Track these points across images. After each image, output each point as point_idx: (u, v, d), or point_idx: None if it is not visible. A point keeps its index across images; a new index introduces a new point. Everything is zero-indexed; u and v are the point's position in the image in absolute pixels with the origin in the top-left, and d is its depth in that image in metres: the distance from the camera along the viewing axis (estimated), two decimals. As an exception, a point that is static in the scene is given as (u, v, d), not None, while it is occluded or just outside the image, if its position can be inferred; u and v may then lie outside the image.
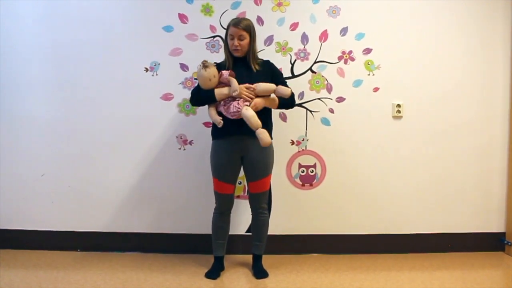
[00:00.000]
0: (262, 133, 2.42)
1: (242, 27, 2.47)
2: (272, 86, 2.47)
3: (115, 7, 2.94)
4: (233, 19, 2.55)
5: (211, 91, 2.47)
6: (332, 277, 2.68)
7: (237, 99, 2.44)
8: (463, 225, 3.12)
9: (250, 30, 2.51)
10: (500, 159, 3.13)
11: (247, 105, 2.43)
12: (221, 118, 2.47)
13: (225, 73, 2.47)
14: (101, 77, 2.96)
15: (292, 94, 2.55)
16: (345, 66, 3.01)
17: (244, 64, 2.55)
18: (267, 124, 2.56)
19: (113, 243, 3.02)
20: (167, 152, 3.00)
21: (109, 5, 2.94)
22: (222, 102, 2.48)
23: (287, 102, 2.58)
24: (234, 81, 2.43)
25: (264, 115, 2.53)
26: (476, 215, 3.13)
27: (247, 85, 2.46)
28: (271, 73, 2.57)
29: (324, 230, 3.06)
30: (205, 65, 2.43)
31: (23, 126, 2.99)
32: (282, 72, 2.93)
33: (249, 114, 2.40)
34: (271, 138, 2.57)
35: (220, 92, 2.46)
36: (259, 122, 2.42)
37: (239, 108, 2.41)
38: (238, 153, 2.56)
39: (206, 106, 2.55)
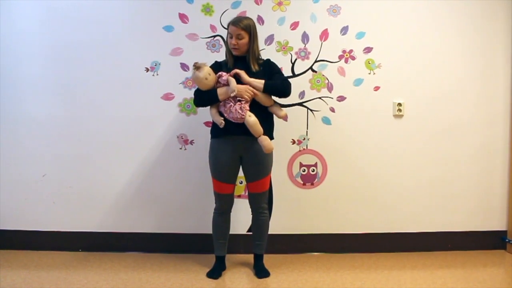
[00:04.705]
0: (264, 140, 2.44)
1: (241, 27, 2.47)
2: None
3: (115, 7, 2.94)
4: (234, 18, 2.55)
5: (214, 91, 2.47)
6: (333, 276, 2.68)
7: (238, 102, 2.45)
8: (465, 224, 3.12)
9: (249, 30, 2.50)
10: (501, 157, 3.13)
11: (248, 109, 2.44)
12: (222, 118, 2.47)
13: (224, 74, 2.47)
14: (101, 77, 2.96)
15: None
16: (346, 65, 3.01)
17: (244, 63, 2.54)
18: (268, 123, 2.56)
19: (114, 243, 3.02)
20: (168, 152, 3.00)
21: (109, 6, 2.94)
22: (222, 103, 2.49)
23: (275, 93, 2.52)
24: (232, 81, 2.43)
25: (265, 114, 2.53)
26: (477, 213, 3.13)
27: (248, 86, 2.46)
28: (269, 73, 2.56)
29: (326, 229, 3.06)
30: (196, 66, 2.44)
31: (24, 126, 2.99)
32: (282, 71, 2.93)
33: (252, 121, 2.42)
34: (273, 138, 2.58)
35: (222, 91, 2.46)
36: (261, 129, 2.44)
37: (243, 114, 2.42)
38: (237, 153, 2.55)
39: (208, 107, 2.56)
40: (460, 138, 3.09)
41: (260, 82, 2.47)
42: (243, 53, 2.53)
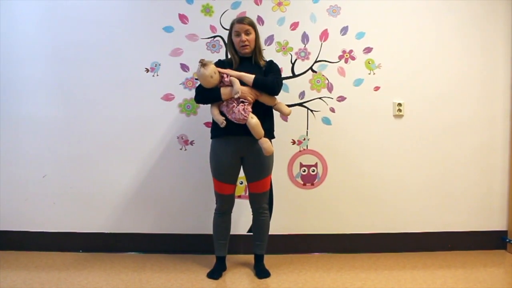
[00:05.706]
0: (265, 143, 2.45)
1: (247, 22, 2.51)
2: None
3: (115, 8, 2.94)
4: (236, 18, 2.57)
5: (217, 90, 2.47)
6: (334, 276, 2.68)
7: (241, 103, 2.44)
8: (465, 224, 3.12)
9: (254, 26, 2.54)
10: (501, 157, 3.13)
11: (250, 111, 2.44)
12: (223, 118, 2.47)
13: (226, 75, 2.47)
14: (101, 78, 2.96)
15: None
16: (346, 65, 3.01)
17: (250, 63, 2.55)
18: (269, 123, 2.56)
19: (115, 244, 3.02)
20: (168, 153, 3.00)
21: (109, 6, 2.94)
22: (224, 103, 2.48)
23: (264, 89, 2.49)
24: (236, 83, 2.43)
25: (266, 113, 2.54)
26: (477, 213, 3.13)
27: (251, 88, 2.46)
28: (268, 72, 2.55)
29: (326, 229, 3.06)
30: (203, 63, 2.43)
31: (24, 127, 2.99)
32: (282, 71, 2.93)
33: (254, 123, 2.42)
34: (274, 137, 2.58)
35: (226, 92, 2.46)
36: (262, 132, 2.45)
37: (246, 115, 2.42)
38: (238, 153, 2.55)
39: (209, 105, 2.55)
40: (460, 138, 3.09)
41: (250, 77, 2.46)
42: (252, 49, 2.54)
